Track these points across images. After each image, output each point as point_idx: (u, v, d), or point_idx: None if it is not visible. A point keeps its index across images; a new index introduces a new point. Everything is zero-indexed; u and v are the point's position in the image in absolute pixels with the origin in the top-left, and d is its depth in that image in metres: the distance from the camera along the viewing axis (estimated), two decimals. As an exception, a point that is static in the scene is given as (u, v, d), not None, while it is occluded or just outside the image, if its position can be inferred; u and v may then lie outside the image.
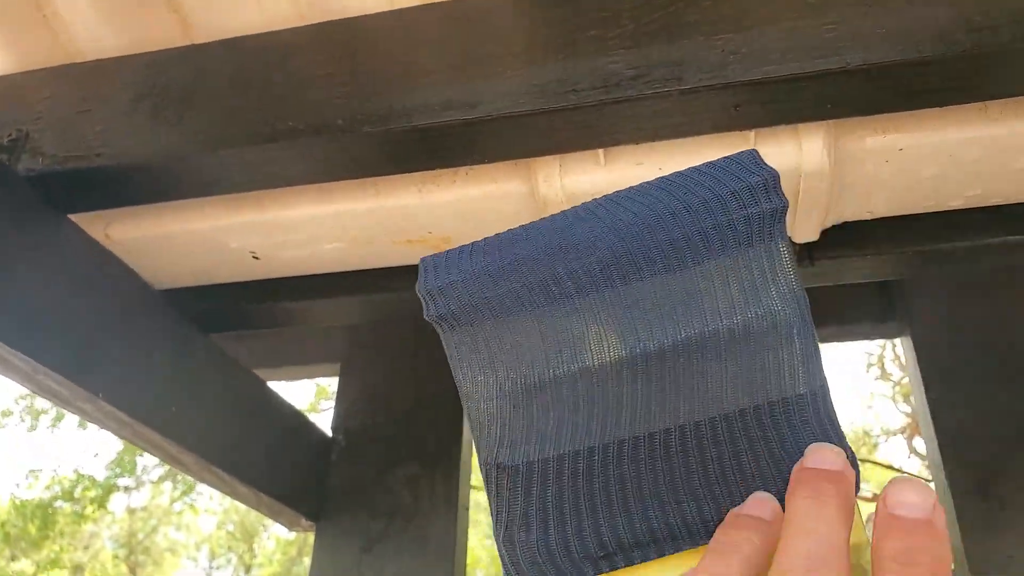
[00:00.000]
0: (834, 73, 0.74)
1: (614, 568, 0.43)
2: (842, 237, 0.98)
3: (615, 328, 0.45)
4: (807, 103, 0.77)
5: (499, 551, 0.45)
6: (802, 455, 0.43)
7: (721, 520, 0.42)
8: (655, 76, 0.77)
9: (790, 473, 0.42)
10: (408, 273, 1.06)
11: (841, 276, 1.07)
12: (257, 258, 1.01)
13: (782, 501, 0.42)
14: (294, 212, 0.94)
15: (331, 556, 1.37)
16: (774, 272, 0.45)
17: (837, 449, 0.41)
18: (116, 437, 1.05)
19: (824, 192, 0.85)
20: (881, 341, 8.10)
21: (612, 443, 0.44)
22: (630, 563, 0.43)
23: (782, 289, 0.45)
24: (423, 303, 0.49)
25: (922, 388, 1.35)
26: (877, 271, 1.04)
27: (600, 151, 0.87)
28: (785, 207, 0.45)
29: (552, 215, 0.49)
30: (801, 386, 0.44)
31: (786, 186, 0.85)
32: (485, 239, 0.49)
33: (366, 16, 0.89)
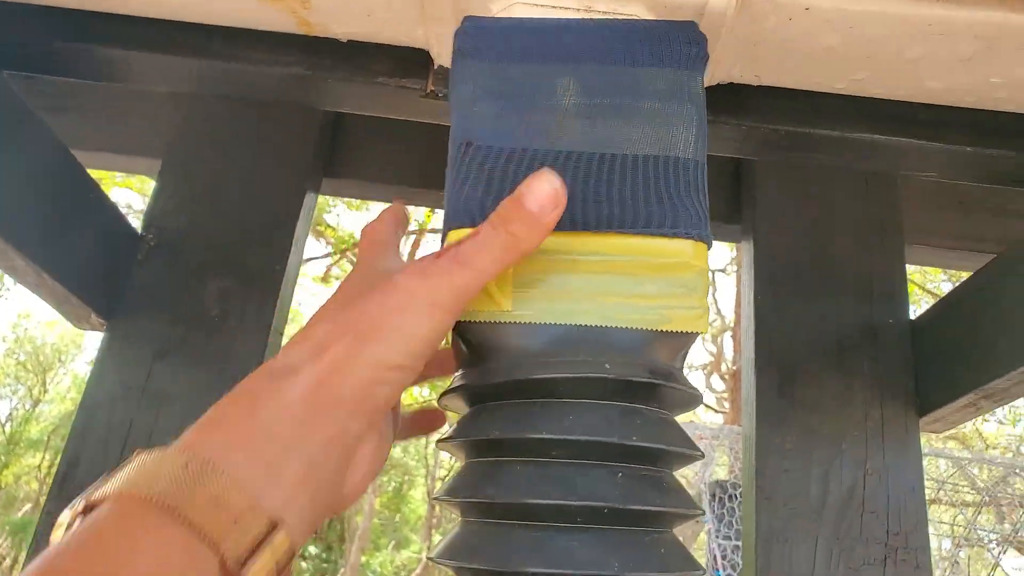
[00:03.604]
0: None
1: None
2: (720, 100, 0.95)
3: (580, 85, 0.71)
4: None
5: (447, 206, 0.68)
6: (679, 196, 0.68)
7: (611, 221, 0.67)
8: None
9: (666, 204, 0.68)
10: (259, 41, 0.92)
11: (711, 146, 1.05)
12: (75, -24, 0.84)
13: (649, 223, 0.67)
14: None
15: (119, 357, 1.24)
16: (691, 88, 0.73)
17: (552, 191, 0.55)
18: None
19: (722, 37, 0.81)
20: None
21: (557, 152, 0.68)
22: None
23: (694, 98, 0.73)
24: (460, 34, 0.78)
25: (752, 291, 1.39)
26: (743, 147, 1.03)
27: (500, -68, 0.77)
28: (707, 56, 0.76)
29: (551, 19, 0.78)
30: (692, 154, 0.70)
31: (687, 17, 0.79)
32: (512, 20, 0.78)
33: None
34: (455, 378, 0.69)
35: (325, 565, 18.89)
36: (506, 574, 0.56)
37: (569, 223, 0.64)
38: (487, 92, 0.71)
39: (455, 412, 0.71)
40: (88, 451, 1.19)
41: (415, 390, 11.48)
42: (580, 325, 0.63)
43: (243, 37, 0.92)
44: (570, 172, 0.66)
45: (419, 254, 13.95)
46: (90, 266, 1.21)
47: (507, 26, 0.75)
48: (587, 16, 0.77)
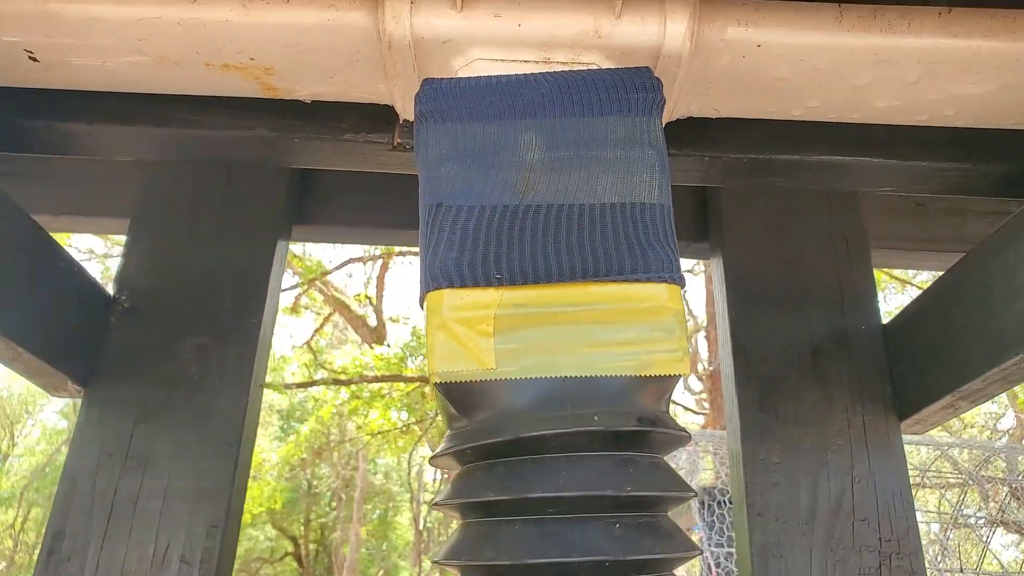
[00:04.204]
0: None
1: (503, 285, 0.66)
2: (683, 134, 0.97)
3: (542, 139, 0.73)
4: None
5: (422, 269, 0.69)
6: (648, 242, 0.71)
7: (585, 271, 0.69)
8: (530, -90, 0.70)
9: (636, 250, 0.71)
10: (222, 107, 0.93)
11: (676, 177, 1.07)
12: (36, 60, 0.84)
13: (622, 269, 0.71)
14: (85, 8, 0.78)
15: (99, 423, 1.23)
16: (650, 133, 0.76)
17: None
18: None
19: (679, 78, 0.83)
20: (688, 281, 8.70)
21: (526, 207, 0.70)
22: (515, 283, 0.66)
23: (654, 143, 0.76)
24: (420, 97, 0.80)
25: (726, 307, 1.42)
26: (708, 176, 1.05)
27: (458, -8, 0.79)
28: (663, 100, 0.79)
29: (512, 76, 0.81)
30: (657, 199, 0.73)
31: (641, 63, 0.81)
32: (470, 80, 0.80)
33: None
34: (445, 438, 0.69)
35: (315, 600, 18.63)
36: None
37: (544, 275, 0.66)
38: (452, 153, 0.73)
39: (448, 470, 0.71)
40: (72, 522, 1.17)
41: (393, 414, 11.41)
42: (564, 377, 0.64)
43: (205, 104, 0.93)
44: (540, 225, 0.68)
45: (387, 276, 13.91)
46: (63, 333, 1.20)
47: (466, 86, 0.77)
48: (547, 67, 0.78)
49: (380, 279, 13.75)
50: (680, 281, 0.69)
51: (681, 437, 0.68)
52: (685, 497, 0.67)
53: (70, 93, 0.92)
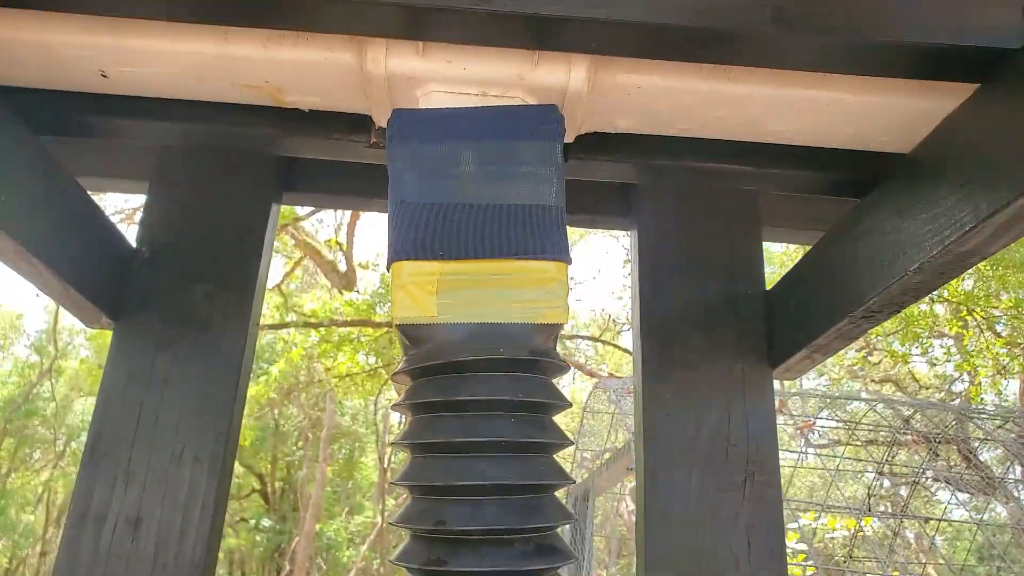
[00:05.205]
0: (600, 22, 1.01)
1: (444, 259, 1.01)
2: (593, 143, 1.29)
3: (476, 156, 1.08)
4: (578, 39, 1.03)
5: (389, 245, 1.03)
6: (545, 232, 1.04)
7: (500, 250, 1.02)
8: (471, -4, 0.99)
9: (537, 237, 1.03)
10: (239, 112, 1.22)
11: (591, 174, 1.39)
12: (106, 76, 1.12)
13: (526, 251, 1.02)
14: (149, 43, 1.07)
15: (128, 351, 1.53)
16: (553, 154, 1.09)
17: None
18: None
19: (580, 108, 1.14)
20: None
21: (462, 204, 1.05)
22: (452, 258, 1.01)
23: (555, 161, 1.09)
24: (390, 124, 1.12)
25: (637, 271, 1.74)
26: (616, 175, 1.37)
27: (420, 43, 1.08)
28: (564, 131, 1.12)
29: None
30: (554, 201, 1.07)
31: (553, 98, 1.12)
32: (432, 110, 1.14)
33: None
34: (401, 362, 1.02)
35: (281, 536, 19.16)
36: (441, 487, 0.90)
37: (472, 253, 0.98)
38: (412, 165, 1.05)
39: (403, 385, 1.04)
40: (108, 426, 1.48)
41: (361, 357, 11.76)
42: (482, 323, 0.96)
43: (226, 107, 1.22)
44: (471, 218, 1.00)
45: (357, 224, 14.10)
46: (100, 276, 1.49)
47: (423, 117, 1.09)
48: (484, 99, 1.09)
49: (351, 226, 13.95)
50: (566, 259, 1.01)
51: (561, 366, 1.01)
52: (563, 406, 1.00)
53: (118, 97, 1.21)
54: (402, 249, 1.00)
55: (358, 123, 1.24)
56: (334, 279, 13.84)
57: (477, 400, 0.93)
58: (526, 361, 0.97)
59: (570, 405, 1.03)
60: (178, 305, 1.58)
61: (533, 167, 1.05)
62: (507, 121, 1.08)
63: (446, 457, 0.92)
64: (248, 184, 1.65)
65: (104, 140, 1.48)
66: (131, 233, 1.62)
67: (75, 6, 0.99)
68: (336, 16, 1.00)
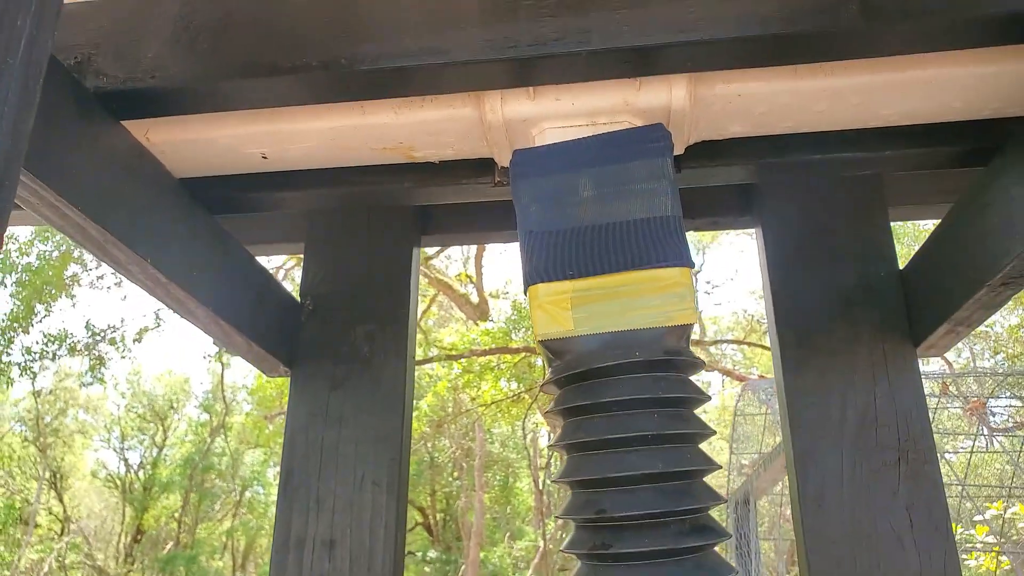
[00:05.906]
0: (693, 44, 1.09)
1: (574, 278, 1.13)
2: (704, 152, 1.36)
3: (593, 182, 1.19)
4: (674, 62, 1.12)
5: (524, 271, 1.15)
6: (665, 241, 1.12)
7: (625, 263, 1.11)
8: (570, 39, 1.10)
9: (658, 247, 1.12)
10: (378, 172, 1.38)
11: (704, 181, 1.46)
12: (266, 158, 1.31)
13: (650, 260, 1.11)
14: (299, 125, 1.25)
15: (305, 393, 1.73)
16: (664, 168, 1.19)
17: None
18: (149, 295, 1.35)
19: (686, 122, 1.22)
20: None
21: (584, 227, 1.17)
22: (581, 275, 1.12)
23: (667, 175, 1.19)
24: (512, 163, 1.24)
25: (766, 267, 1.78)
26: (730, 178, 1.43)
27: (531, 88, 1.20)
28: (671, 145, 1.22)
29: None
30: (670, 211, 1.17)
31: (658, 117, 1.21)
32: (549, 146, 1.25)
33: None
34: (548, 373, 1.13)
35: (448, 566, 19.68)
36: (598, 479, 0.99)
37: (600, 269, 1.08)
38: (535, 198, 1.17)
39: (550, 394, 1.15)
40: (297, 460, 1.67)
41: (503, 384, 12.04)
42: (616, 331, 1.06)
43: (364, 170, 1.38)
44: (596, 237, 1.10)
45: (483, 256, 14.49)
46: (275, 331, 1.70)
47: (541, 153, 1.20)
48: (594, 128, 1.19)
49: (478, 258, 14.35)
50: (689, 264, 1.09)
51: (696, 363, 1.09)
52: (702, 399, 1.07)
53: (273, 173, 1.40)
54: (535, 273, 1.12)
55: (482, 166, 1.37)
56: (468, 311, 14.25)
57: (620, 400, 1.02)
58: (662, 361, 1.05)
59: (709, 398, 1.10)
60: (344, 348, 1.76)
61: (647, 183, 1.14)
62: (617, 145, 1.17)
63: (599, 453, 1.02)
64: (391, 233, 1.82)
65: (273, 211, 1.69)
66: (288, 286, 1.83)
67: (244, 104, 1.18)
68: (455, 78, 1.13)
